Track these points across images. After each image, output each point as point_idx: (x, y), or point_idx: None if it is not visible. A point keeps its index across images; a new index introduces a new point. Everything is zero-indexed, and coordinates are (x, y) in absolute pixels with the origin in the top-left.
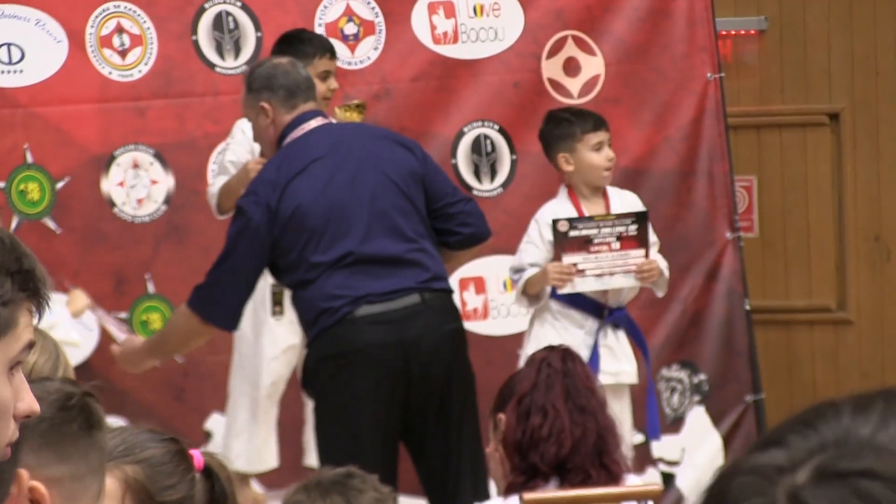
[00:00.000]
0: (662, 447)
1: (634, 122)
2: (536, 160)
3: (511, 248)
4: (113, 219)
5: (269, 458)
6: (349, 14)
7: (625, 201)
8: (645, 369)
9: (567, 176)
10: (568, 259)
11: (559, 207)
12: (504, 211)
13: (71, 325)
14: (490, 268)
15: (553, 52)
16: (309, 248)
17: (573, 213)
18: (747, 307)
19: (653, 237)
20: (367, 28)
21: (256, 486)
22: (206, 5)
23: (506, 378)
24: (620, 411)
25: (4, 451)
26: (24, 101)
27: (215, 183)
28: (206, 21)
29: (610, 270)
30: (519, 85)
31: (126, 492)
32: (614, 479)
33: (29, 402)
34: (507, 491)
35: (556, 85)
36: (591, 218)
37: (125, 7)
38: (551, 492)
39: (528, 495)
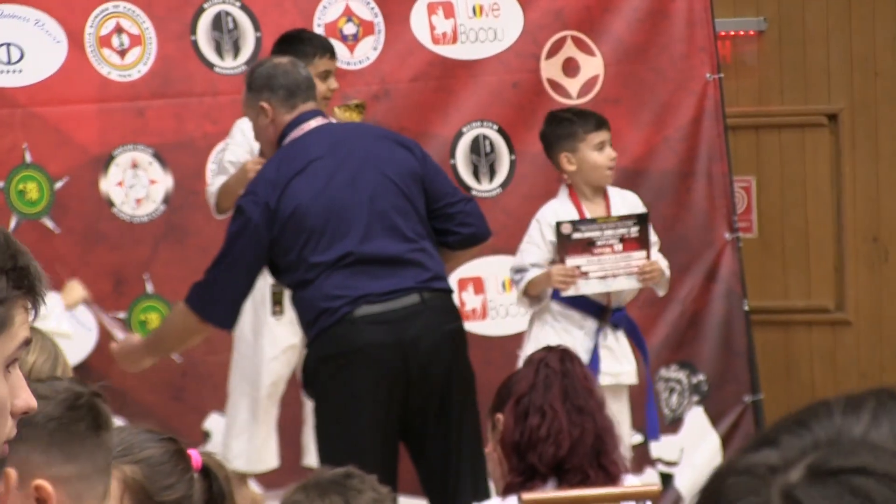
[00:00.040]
0: (661, 447)
1: (633, 122)
2: (535, 160)
3: (510, 249)
4: (112, 219)
5: (269, 458)
6: (348, 14)
7: (626, 201)
8: (644, 370)
9: (569, 176)
10: (571, 261)
11: (560, 207)
12: (503, 211)
13: (63, 316)
14: (489, 268)
15: (552, 53)
16: (308, 248)
17: (574, 213)
18: (746, 308)
19: (653, 237)
20: (367, 28)
21: (255, 487)
22: (206, 5)
23: (504, 378)
24: (619, 412)
25: (3, 448)
26: (23, 100)
27: (214, 183)
28: (205, 21)
29: (613, 272)
30: (518, 85)
31: (125, 491)
32: (612, 479)
33: (26, 399)
34: (505, 491)
35: (555, 85)
36: (594, 220)
37: (124, 7)
38: (550, 492)
39: (527, 495)
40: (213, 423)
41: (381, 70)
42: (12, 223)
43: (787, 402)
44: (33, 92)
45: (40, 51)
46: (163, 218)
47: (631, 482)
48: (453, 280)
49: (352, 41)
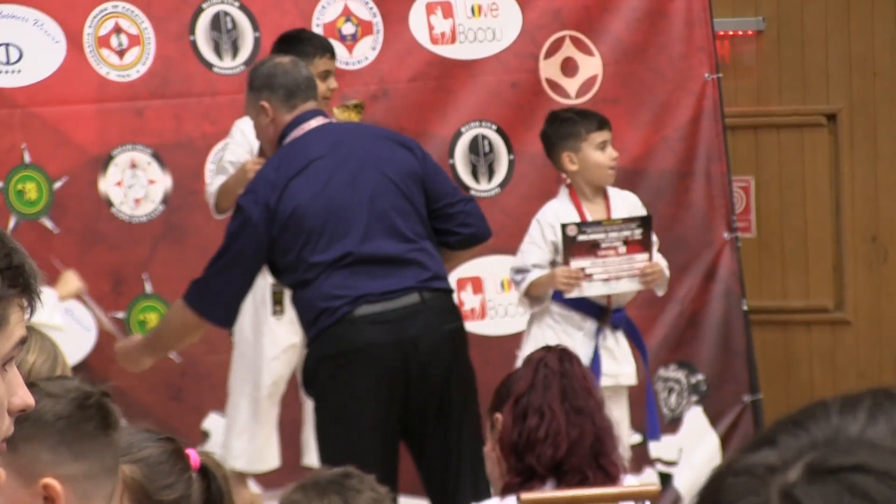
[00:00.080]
0: (660, 447)
1: (632, 122)
2: (534, 160)
3: (509, 248)
4: (110, 219)
5: (270, 458)
6: (347, 14)
7: (625, 202)
8: (644, 370)
9: (570, 175)
10: (576, 263)
11: (560, 207)
12: (502, 211)
13: (56, 309)
14: (488, 268)
15: (551, 53)
16: (308, 248)
17: (574, 214)
18: (745, 307)
19: (653, 237)
20: (365, 28)
21: (254, 487)
22: (204, 5)
23: (503, 377)
24: (618, 413)
25: (0, 446)
26: (22, 101)
27: (214, 182)
28: (203, 21)
29: (616, 275)
30: (517, 85)
31: (123, 491)
32: (611, 480)
33: (23, 397)
34: (503, 491)
35: (553, 85)
36: (599, 223)
37: (123, 7)
38: (548, 492)
39: (526, 495)
40: (211, 422)
41: (380, 70)
42: (11, 223)
43: (786, 402)
44: (32, 92)
45: (39, 51)
46: (161, 218)
47: (630, 482)
48: (452, 280)
49: (350, 41)
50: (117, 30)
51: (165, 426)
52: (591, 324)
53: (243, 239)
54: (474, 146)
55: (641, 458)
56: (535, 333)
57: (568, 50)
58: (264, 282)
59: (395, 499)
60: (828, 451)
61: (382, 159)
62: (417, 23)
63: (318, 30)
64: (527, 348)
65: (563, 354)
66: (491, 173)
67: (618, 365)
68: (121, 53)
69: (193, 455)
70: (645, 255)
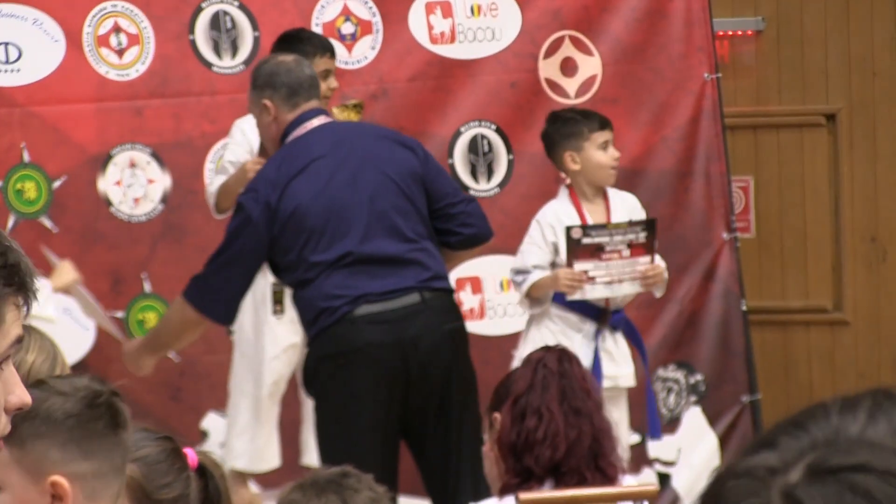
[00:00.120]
0: (658, 447)
1: (631, 122)
2: (533, 160)
3: (508, 248)
4: (110, 218)
5: (271, 458)
6: (346, 14)
7: (625, 203)
8: (643, 371)
9: (571, 175)
10: (579, 266)
11: (560, 208)
12: (501, 211)
13: (48, 300)
14: (487, 268)
15: (550, 52)
16: (308, 247)
17: (574, 214)
18: (744, 308)
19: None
20: (365, 28)
21: (254, 487)
22: (204, 5)
23: (502, 377)
24: (617, 414)
25: None
26: (21, 100)
27: (214, 182)
28: (203, 20)
29: (619, 278)
30: (516, 85)
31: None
32: (609, 481)
33: (20, 395)
34: (501, 492)
35: (553, 85)
36: (604, 226)
37: (122, 6)
38: (547, 492)
39: (525, 495)
40: (210, 422)
41: (380, 70)
42: (10, 222)
43: (786, 402)
44: (31, 91)
45: (38, 50)
46: (161, 217)
47: (628, 482)
48: (451, 280)
49: (350, 41)
50: (116, 29)
51: (164, 426)
52: (589, 325)
53: (244, 238)
54: (473, 146)
55: (640, 459)
56: (533, 335)
57: (567, 50)
58: (265, 281)
59: (395, 498)
60: (828, 451)
61: (383, 159)
62: (417, 22)
63: (317, 29)
64: (524, 349)
65: (562, 355)
66: (490, 173)
67: (617, 367)
68: (120, 53)
69: (191, 454)
70: (647, 259)
